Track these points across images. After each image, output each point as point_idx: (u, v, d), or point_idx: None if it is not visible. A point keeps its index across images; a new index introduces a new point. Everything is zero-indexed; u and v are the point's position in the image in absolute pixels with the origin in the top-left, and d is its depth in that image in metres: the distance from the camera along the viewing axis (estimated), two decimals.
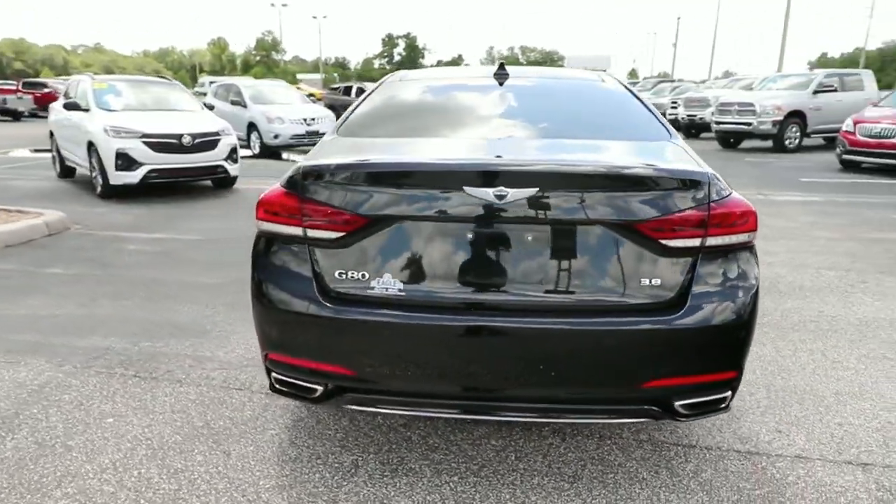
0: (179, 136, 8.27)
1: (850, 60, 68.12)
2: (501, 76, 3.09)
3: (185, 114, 9.11)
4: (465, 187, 1.98)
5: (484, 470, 2.42)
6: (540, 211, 1.99)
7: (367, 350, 2.11)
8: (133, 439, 2.62)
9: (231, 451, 2.54)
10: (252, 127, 13.72)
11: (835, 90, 14.50)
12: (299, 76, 60.84)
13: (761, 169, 11.94)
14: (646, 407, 2.11)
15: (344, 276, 2.12)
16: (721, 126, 15.25)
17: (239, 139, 9.80)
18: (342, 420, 2.78)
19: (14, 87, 27.24)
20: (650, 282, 2.04)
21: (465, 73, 3.63)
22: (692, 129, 18.38)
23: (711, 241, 2.05)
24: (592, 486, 2.33)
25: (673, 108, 19.79)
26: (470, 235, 2.05)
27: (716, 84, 24.05)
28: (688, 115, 18.51)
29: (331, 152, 2.35)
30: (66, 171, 9.90)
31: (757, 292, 2.13)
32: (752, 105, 14.35)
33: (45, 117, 12.69)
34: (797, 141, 14.43)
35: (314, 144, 11.11)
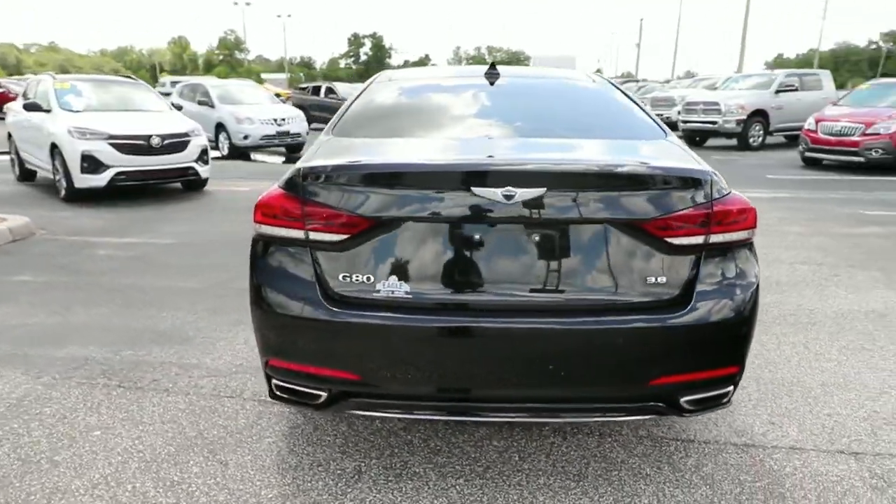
0: (148, 138, 8.03)
1: (804, 61, 70.44)
2: (492, 76, 3.09)
3: (152, 114, 8.85)
4: (473, 188, 1.96)
5: (489, 471, 2.41)
6: (548, 211, 1.99)
7: (373, 354, 2.07)
8: (123, 452, 2.52)
9: (228, 461, 2.47)
10: (220, 127, 13.43)
11: (795, 90, 14.95)
12: (264, 76, 59.89)
13: (728, 167, 12.23)
14: (652, 404, 2.12)
15: (348, 279, 2.08)
16: (688, 125, 15.58)
17: (207, 140, 9.58)
18: (340, 426, 2.73)
19: None
20: (656, 280, 2.05)
21: (456, 72, 3.61)
22: None
23: (714, 238, 2.08)
24: (598, 483, 2.34)
25: None
26: (477, 236, 2.03)
27: (680, 84, 24.57)
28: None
29: (331, 153, 2.30)
30: (27, 175, 9.53)
31: (757, 288, 2.16)
32: (717, 104, 14.70)
33: (1, 118, 12.20)
34: (760, 139, 14.84)
35: (285, 145, 10.96)
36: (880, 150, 10.60)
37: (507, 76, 3.13)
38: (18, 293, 4.51)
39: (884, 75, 60.49)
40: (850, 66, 71.11)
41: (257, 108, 13.72)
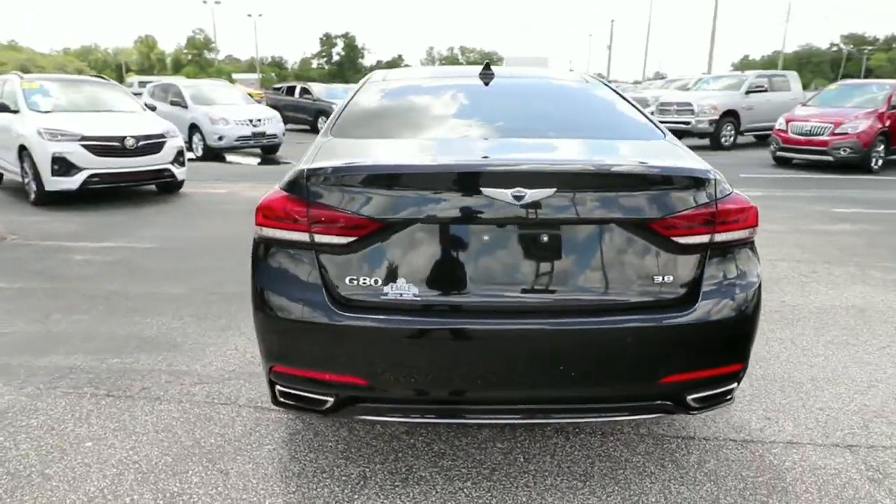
0: (122, 139, 7.84)
1: (769, 62, 72.21)
2: (487, 76, 3.08)
3: (126, 115, 8.65)
4: (482, 189, 1.95)
5: (496, 474, 2.40)
6: (557, 211, 1.98)
7: (381, 358, 2.04)
8: (118, 463, 2.45)
9: (229, 470, 2.41)
10: (194, 128, 13.18)
11: (765, 90, 15.31)
12: (235, 76, 58.99)
13: None
14: (660, 402, 2.14)
15: (355, 283, 2.05)
16: (662, 125, 15.80)
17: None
18: (341, 431, 2.69)
19: None
20: (663, 279, 2.07)
21: (449, 72, 3.59)
22: None
23: (718, 237, 2.10)
24: (605, 483, 2.35)
25: None
26: (486, 237, 2.02)
27: (652, 85, 24.95)
28: None
29: (334, 154, 2.27)
30: None
31: (760, 286, 2.20)
32: (690, 105, 14.97)
33: None
34: (732, 139, 15.15)
35: (261, 147, 10.80)
36: (848, 150, 10.91)
37: (502, 76, 3.12)
38: None
39: (845, 76, 62.46)
40: (812, 67, 73.15)
41: (232, 108, 13.51)
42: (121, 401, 2.95)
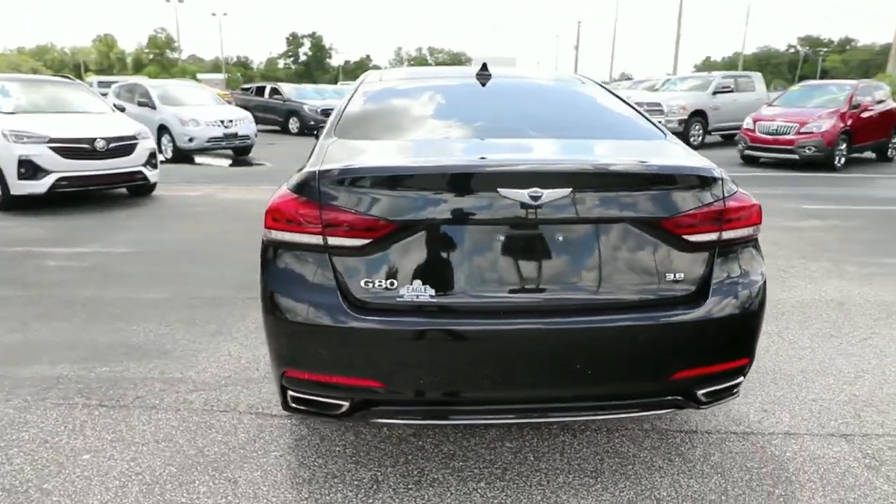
0: (92, 141, 7.60)
1: (730, 64, 74.16)
2: (484, 77, 3.09)
3: (95, 116, 8.40)
4: (499, 189, 1.95)
5: (508, 473, 2.40)
6: (572, 211, 2.00)
7: (399, 360, 2.03)
8: (120, 475, 2.37)
9: (237, 478, 2.36)
10: (163, 130, 12.86)
11: (731, 91, 15.72)
12: (200, 76, 57.81)
13: None
14: (672, 398, 2.17)
15: (370, 285, 2.03)
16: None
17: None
18: (347, 435, 2.66)
19: None
20: (674, 276, 2.10)
21: (446, 72, 3.58)
22: None
23: (726, 234, 2.15)
24: (616, 479, 2.37)
25: None
26: (502, 237, 2.03)
27: (620, 86, 25.33)
28: None
29: (343, 156, 2.24)
30: None
31: (765, 282, 2.25)
32: (659, 105, 15.25)
33: None
34: (700, 138, 15.49)
35: (233, 148, 10.61)
36: (813, 148, 11.27)
37: (499, 76, 3.13)
38: None
39: (802, 77, 64.47)
40: (771, 68, 75.27)
41: (202, 109, 13.23)
42: (115, 411, 2.86)
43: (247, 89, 23.12)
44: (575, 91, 3.13)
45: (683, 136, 15.22)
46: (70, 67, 77.68)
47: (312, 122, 19.79)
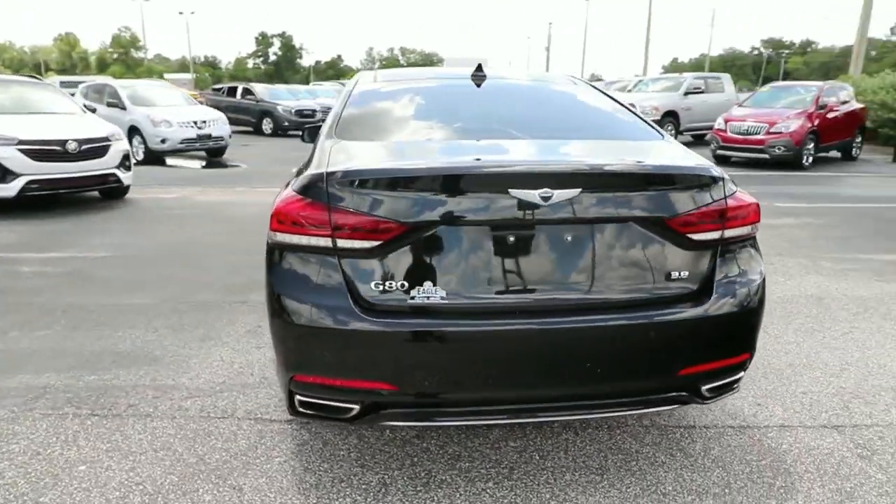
0: (63, 143, 7.39)
1: (697, 65, 75.68)
2: (479, 77, 3.09)
3: (66, 117, 8.16)
4: (510, 189, 1.96)
5: (515, 472, 2.41)
6: (581, 211, 2.02)
7: (411, 362, 2.02)
8: (120, 486, 2.31)
9: (241, 485, 2.32)
10: (134, 131, 12.56)
11: (702, 92, 16.06)
12: (167, 76, 56.65)
13: None
14: (677, 394, 2.21)
15: (381, 287, 2.01)
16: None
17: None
18: (350, 438, 2.63)
19: None
20: (680, 274, 2.14)
21: (442, 73, 3.57)
22: None
23: (728, 232, 2.20)
24: (621, 475, 2.40)
25: None
26: (512, 238, 2.03)
27: None
28: None
29: (349, 157, 2.22)
30: None
31: (765, 279, 2.31)
32: (633, 106, 15.45)
33: None
34: (672, 138, 15.76)
35: (208, 149, 10.43)
36: (782, 148, 11.58)
37: (494, 78, 3.14)
38: None
39: (766, 79, 66.08)
40: (736, 69, 77.06)
41: (175, 109, 12.97)
42: (108, 420, 2.79)
43: (218, 89, 22.75)
44: (571, 92, 3.16)
45: None
46: (30, 67, 75.40)
47: (286, 123, 19.60)
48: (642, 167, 2.14)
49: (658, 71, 68.28)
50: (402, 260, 2.01)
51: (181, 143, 12.57)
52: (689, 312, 2.10)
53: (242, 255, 5.58)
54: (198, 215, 7.65)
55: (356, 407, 2.07)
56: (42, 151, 7.23)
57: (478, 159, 2.09)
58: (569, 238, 2.06)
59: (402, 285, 2.01)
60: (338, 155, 2.25)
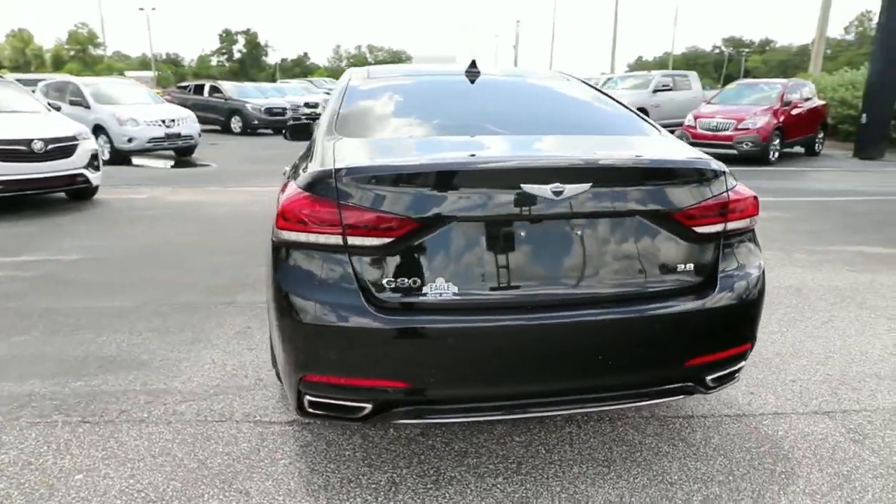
0: (28, 142, 7.12)
1: (661, 63, 77.12)
2: (473, 74, 3.09)
3: (30, 116, 7.87)
4: (522, 185, 1.96)
5: (523, 467, 2.42)
6: (591, 205, 2.03)
7: (424, 360, 2.01)
8: (121, 494, 2.24)
9: (248, 489, 2.27)
10: (99, 130, 12.16)
11: (670, 89, 16.36)
12: (128, 74, 55.13)
13: None
14: (682, 384, 2.24)
15: (392, 284, 1.99)
16: None
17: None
18: (354, 438, 2.61)
19: None
20: (685, 266, 2.17)
21: (436, 70, 3.54)
22: None
23: (731, 225, 2.24)
24: (628, 466, 2.43)
25: None
26: (523, 233, 2.04)
27: None
28: None
29: (355, 153, 2.19)
30: None
31: (764, 270, 2.36)
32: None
33: None
34: None
35: (176, 148, 10.21)
36: (750, 143, 11.88)
37: (488, 74, 3.14)
38: None
39: (727, 77, 67.62)
40: (698, 68, 78.74)
41: (142, 108, 12.63)
42: (100, 426, 2.70)
43: (184, 87, 22.25)
44: (568, 88, 3.17)
45: None
46: None
47: (256, 122, 19.29)
48: (651, 162, 2.17)
49: (623, 69, 69.35)
50: (413, 256, 1.99)
51: (149, 142, 12.26)
52: (696, 304, 2.14)
53: (222, 255, 5.47)
54: (170, 216, 7.46)
55: (368, 406, 2.05)
56: (6, 151, 6.96)
57: (488, 154, 2.08)
58: (580, 232, 2.07)
59: (415, 282, 1.99)
60: (342, 151, 2.22)
